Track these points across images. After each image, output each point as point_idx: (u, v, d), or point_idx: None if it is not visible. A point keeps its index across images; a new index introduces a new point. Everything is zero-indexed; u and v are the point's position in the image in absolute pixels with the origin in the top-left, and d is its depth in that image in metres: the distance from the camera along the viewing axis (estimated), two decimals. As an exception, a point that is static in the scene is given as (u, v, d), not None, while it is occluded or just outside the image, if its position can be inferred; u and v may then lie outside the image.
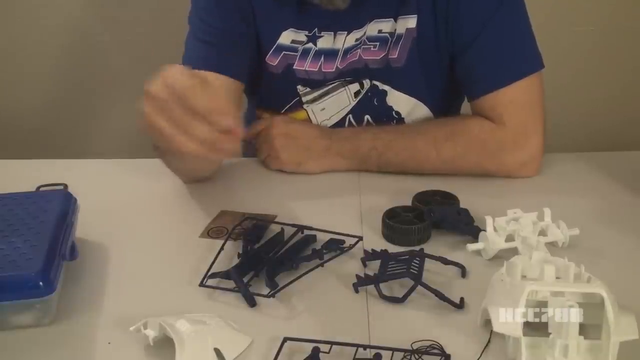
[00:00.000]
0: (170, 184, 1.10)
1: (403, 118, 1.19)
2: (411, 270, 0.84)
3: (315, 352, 0.72)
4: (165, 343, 0.72)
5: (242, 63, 1.13)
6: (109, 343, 0.76)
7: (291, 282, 0.84)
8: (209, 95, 0.75)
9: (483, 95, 1.10)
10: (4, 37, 1.80)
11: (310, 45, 1.13)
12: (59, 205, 0.90)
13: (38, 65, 1.84)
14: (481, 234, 0.91)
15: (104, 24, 1.79)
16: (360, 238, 0.93)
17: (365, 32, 1.11)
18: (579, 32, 1.76)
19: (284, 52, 1.13)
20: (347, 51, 1.13)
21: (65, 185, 1.00)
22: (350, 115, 1.20)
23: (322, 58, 1.13)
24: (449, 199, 1.01)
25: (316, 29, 1.11)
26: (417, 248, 0.91)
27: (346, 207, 1.04)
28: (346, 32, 1.11)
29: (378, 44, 1.12)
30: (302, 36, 1.12)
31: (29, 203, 0.90)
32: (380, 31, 1.11)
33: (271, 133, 1.13)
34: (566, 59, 1.77)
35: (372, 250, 0.91)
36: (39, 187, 1.00)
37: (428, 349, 0.73)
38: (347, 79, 1.16)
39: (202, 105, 0.75)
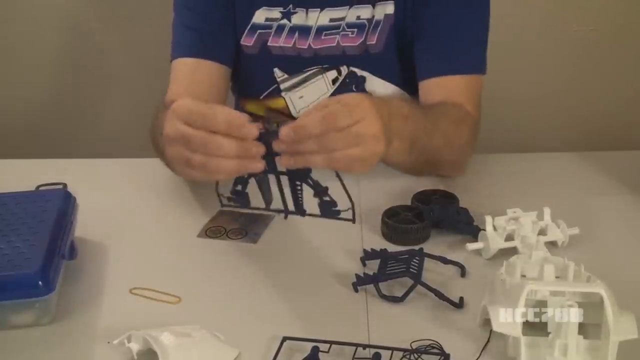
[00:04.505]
0: (169, 184, 1.10)
1: None
2: (411, 269, 0.84)
3: (315, 351, 0.72)
4: (150, 357, 0.71)
5: (227, 47, 1.16)
6: (109, 342, 0.76)
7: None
8: (221, 112, 0.77)
9: (432, 77, 1.11)
10: (4, 36, 1.80)
11: (284, 21, 1.15)
12: (59, 205, 0.90)
13: (38, 65, 1.84)
14: (481, 233, 0.91)
15: (105, 24, 1.79)
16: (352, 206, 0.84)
17: (345, 17, 1.13)
18: (579, 32, 1.75)
19: (259, 30, 1.16)
20: (320, 30, 1.15)
21: (65, 185, 1.00)
22: None
23: (297, 34, 1.16)
24: (449, 198, 1.01)
25: (290, 5, 1.15)
26: (416, 247, 0.91)
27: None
28: (319, 10, 1.14)
29: (356, 30, 1.14)
30: (276, 13, 1.16)
31: (28, 202, 0.90)
32: (358, 17, 1.14)
33: None
34: (566, 59, 1.77)
35: (372, 249, 0.91)
36: (38, 187, 1.00)
37: (427, 348, 0.73)
38: (324, 66, 1.18)
39: (221, 121, 0.76)
